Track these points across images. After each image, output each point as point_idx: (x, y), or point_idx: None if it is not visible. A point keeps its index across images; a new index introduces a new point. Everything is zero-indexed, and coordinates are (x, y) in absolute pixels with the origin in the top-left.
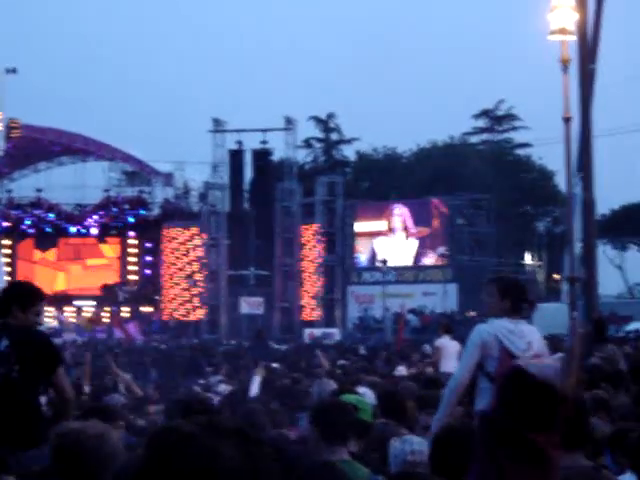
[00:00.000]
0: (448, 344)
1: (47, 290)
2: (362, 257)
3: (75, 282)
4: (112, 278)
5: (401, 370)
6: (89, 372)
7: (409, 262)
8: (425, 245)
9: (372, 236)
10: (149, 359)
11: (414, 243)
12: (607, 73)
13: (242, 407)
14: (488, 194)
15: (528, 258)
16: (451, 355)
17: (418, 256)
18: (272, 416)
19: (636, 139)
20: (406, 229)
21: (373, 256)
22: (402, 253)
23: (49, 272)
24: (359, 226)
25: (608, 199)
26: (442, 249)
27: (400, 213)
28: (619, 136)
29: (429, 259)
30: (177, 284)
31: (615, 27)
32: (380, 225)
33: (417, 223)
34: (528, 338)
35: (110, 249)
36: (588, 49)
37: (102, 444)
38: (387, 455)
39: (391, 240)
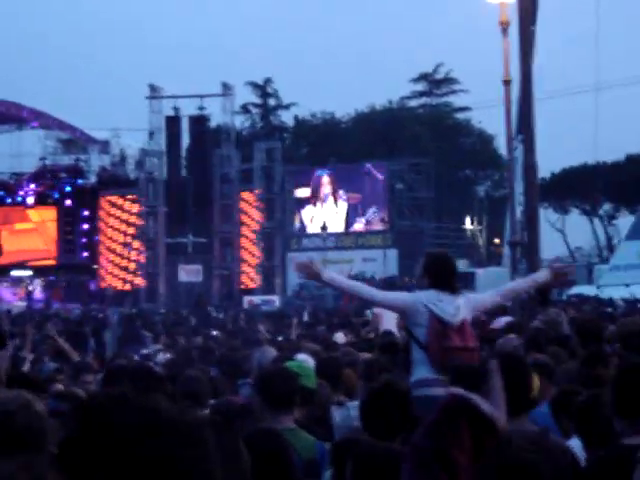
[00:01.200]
0: (387, 310)
1: None
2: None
3: (6, 245)
4: (40, 242)
5: (339, 337)
6: (30, 343)
7: (340, 228)
8: (357, 211)
9: (301, 203)
10: (88, 328)
11: (343, 208)
12: (547, 35)
13: (183, 375)
14: (427, 158)
15: (468, 222)
16: (389, 320)
17: (348, 222)
18: (213, 384)
19: (577, 101)
20: (334, 195)
21: (302, 224)
22: (332, 220)
23: None
24: (301, 192)
25: (549, 162)
26: (372, 211)
27: (328, 181)
28: (559, 99)
29: (359, 224)
30: (115, 252)
31: None
32: (305, 192)
33: (348, 189)
34: (456, 303)
35: (37, 214)
36: (528, 10)
37: (24, 415)
38: (328, 421)
39: (319, 209)
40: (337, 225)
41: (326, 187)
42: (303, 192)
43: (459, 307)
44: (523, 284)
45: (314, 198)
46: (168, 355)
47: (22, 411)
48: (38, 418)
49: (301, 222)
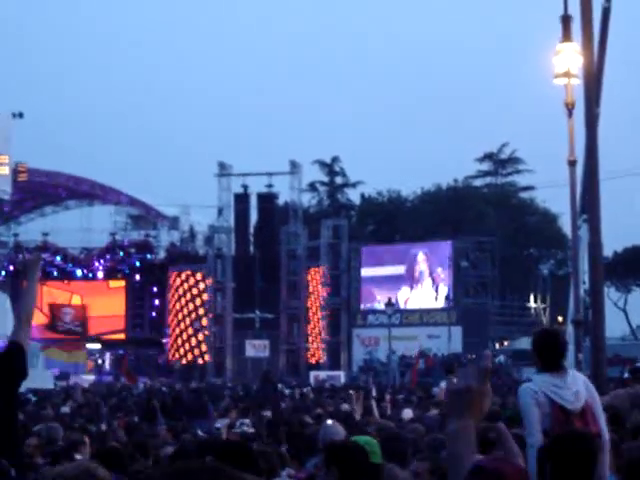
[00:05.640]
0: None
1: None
2: (380, 304)
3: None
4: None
5: (407, 413)
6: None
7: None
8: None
9: (392, 282)
10: (158, 402)
11: (443, 292)
12: (611, 117)
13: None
14: (492, 237)
15: (532, 300)
16: None
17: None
18: (281, 458)
19: (637, 182)
20: (433, 276)
21: (397, 304)
22: (429, 302)
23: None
24: (374, 270)
25: (610, 242)
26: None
27: (424, 259)
28: (620, 179)
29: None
30: (183, 327)
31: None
32: (399, 269)
33: (444, 268)
34: (574, 388)
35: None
36: (593, 92)
37: None
38: None
39: (417, 291)
40: (437, 304)
41: (421, 265)
42: (390, 270)
43: (578, 392)
44: None
45: (410, 279)
46: (245, 429)
47: (81, 477)
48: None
49: (396, 302)
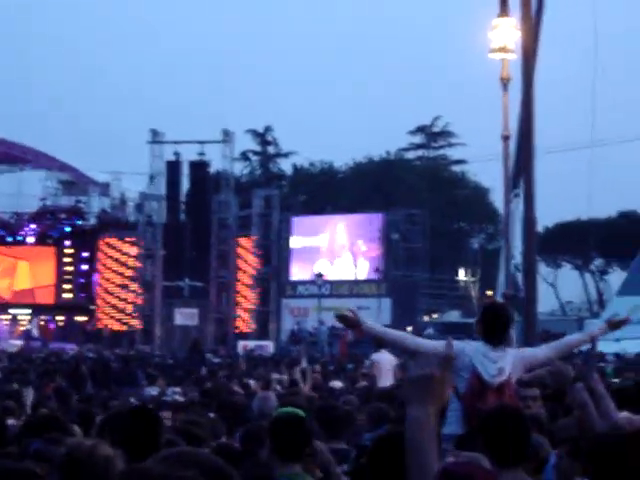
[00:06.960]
0: (383, 358)
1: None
2: (302, 274)
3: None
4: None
5: (336, 384)
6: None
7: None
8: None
9: (312, 254)
10: (86, 370)
11: (364, 268)
12: (547, 93)
13: (183, 418)
14: (423, 209)
15: (462, 274)
16: (387, 370)
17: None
18: (211, 426)
19: (571, 158)
20: (353, 249)
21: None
22: (349, 274)
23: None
24: (299, 241)
25: (542, 217)
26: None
27: (344, 231)
28: (553, 155)
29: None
30: (112, 294)
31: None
32: (321, 241)
33: (366, 240)
34: (500, 364)
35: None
36: (531, 68)
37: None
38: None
39: (336, 265)
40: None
41: (341, 237)
42: (299, 241)
43: (503, 368)
44: (578, 339)
45: (330, 252)
46: (177, 397)
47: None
48: (103, 461)
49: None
